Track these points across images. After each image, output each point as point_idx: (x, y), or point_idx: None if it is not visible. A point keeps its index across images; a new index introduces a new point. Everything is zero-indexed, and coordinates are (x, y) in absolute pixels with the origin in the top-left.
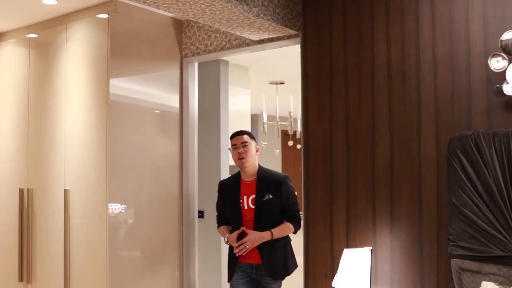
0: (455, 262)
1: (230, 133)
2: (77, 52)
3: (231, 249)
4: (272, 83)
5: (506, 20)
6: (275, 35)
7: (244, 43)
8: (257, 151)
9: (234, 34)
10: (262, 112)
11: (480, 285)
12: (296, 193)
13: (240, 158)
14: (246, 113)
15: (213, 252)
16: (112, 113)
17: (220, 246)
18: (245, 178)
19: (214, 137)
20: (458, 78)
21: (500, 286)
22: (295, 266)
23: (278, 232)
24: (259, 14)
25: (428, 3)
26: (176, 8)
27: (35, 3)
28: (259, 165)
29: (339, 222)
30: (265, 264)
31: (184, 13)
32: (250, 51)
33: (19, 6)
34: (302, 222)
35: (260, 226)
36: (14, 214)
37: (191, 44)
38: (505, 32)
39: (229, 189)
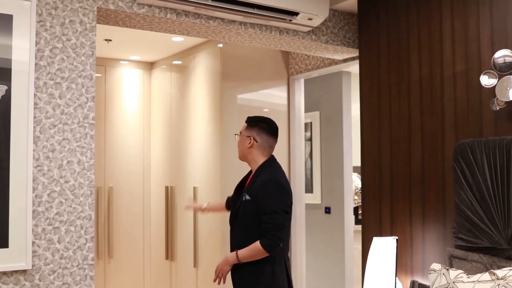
0: (447, 250)
1: (353, 137)
2: (201, 76)
3: None
4: None
5: (508, 39)
6: (355, 55)
7: (333, 62)
8: (251, 145)
9: None
10: None
11: (467, 270)
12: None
13: None
14: None
15: (337, 245)
16: (224, 125)
17: (344, 241)
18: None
19: (337, 140)
20: (472, 92)
21: (468, 275)
22: None
23: (245, 253)
24: (328, 41)
25: (449, 26)
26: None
27: (168, 40)
28: (265, 162)
29: (385, 217)
30: None
31: (275, 46)
32: (338, 69)
33: (159, 43)
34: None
35: (233, 229)
36: (162, 207)
37: (295, 64)
38: (498, 51)
39: (241, 182)
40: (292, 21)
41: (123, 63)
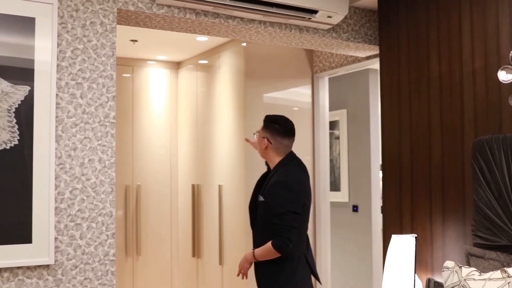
0: (465, 248)
1: (380, 135)
2: (226, 75)
3: None
4: None
5: None
6: (378, 52)
7: (356, 60)
8: (266, 147)
9: None
10: None
11: (484, 268)
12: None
13: None
14: None
15: (365, 243)
16: (248, 124)
17: (371, 239)
18: None
19: (364, 138)
20: (491, 88)
21: (480, 272)
22: None
23: (260, 252)
24: (349, 39)
25: (468, 22)
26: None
27: (192, 40)
28: (279, 162)
29: (406, 214)
30: None
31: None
32: (362, 67)
33: (184, 43)
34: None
35: (254, 228)
36: (189, 204)
37: (319, 62)
38: None
39: (259, 180)
40: (311, 19)
41: (150, 63)
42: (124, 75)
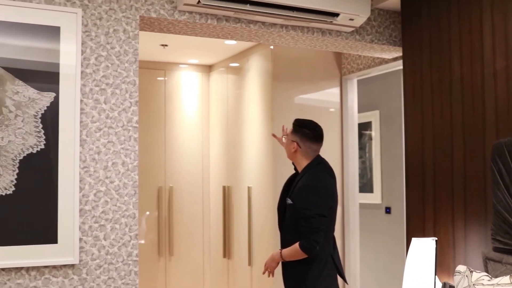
0: (483, 252)
1: None
2: (254, 78)
3: None
4: None
5: None
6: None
7: (384, 61)
8: (295, 150)
9: None
10: None
11: (501, 273)
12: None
13: None
14: None
15: (398, 245)
16: (275, 126)
17: (404, 240)
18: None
19: (397, 139)
20: None
21: (491, 278)
22: None
23: (287, 253)
24: (373, 40)
25: (489, 22)
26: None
27: (222, 44)
28: (307, 166)
29: (428, 217)
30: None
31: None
32: (389, 68)
33: (213, 46)
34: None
35: (282, 229)
36: (220, 206)
37: (348, 64)
38: None
39: (286, 183)
40: (333, 22)
41: (183, 67)
42: (159, 78)
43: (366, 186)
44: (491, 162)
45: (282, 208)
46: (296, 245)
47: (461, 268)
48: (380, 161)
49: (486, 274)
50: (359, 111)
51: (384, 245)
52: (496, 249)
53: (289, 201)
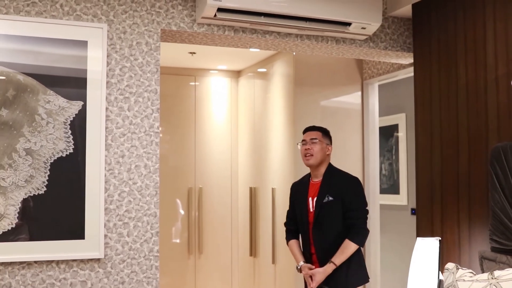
0: (479, 252)
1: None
2: (278, 83)
3: None
4: None
5: None
6: None
7: (401, 66)
8: (329, 152)
9: None
10: None
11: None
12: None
13: (306, 155)
14: None
15: None
16: (297, 130)
17: None
18: (313, 178)
19: None
20: None
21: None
22: (359, 280)
23: (341, 258)
24: (386, 47)
25: (492, 29)
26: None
27: (246, 51)
28: (330, 165)
29: (436, 218)
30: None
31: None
32: (407, 74)
33: (239, 53)
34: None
35: (317, 230)
36: (247, 206)
37: (368, 69)
38: None
39: (299, 190)
40: (346, 31)
41: (212, 72)
42: (191, 83)
43: (392, 187)
44: (489, 166)
45: (317, 208)
46: (346, 243)
47: (450, 265)
48: (406, 163)
49: (471, 271)
50: (386, 114)
51: (410, 246)
52: (493, 249)
53: (329, 197)
